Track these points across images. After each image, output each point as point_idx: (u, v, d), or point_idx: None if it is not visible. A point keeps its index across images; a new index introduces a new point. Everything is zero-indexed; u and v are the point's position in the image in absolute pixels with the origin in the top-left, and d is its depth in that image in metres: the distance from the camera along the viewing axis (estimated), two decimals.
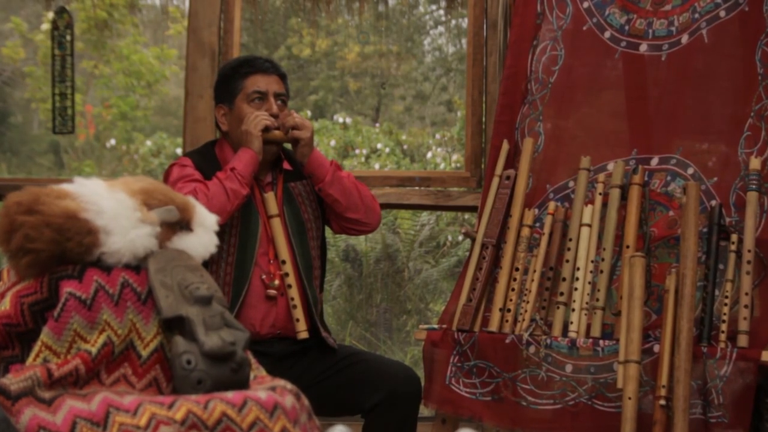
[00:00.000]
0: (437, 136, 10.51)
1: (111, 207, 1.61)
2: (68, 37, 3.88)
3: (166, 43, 10.42)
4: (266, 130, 2.90)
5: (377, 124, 11.28)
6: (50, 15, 9.60)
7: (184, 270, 1.59)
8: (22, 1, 9.85)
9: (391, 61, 13.10)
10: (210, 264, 2.84)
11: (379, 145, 9.63)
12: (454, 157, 9.32)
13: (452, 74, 13.56)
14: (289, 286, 2.87)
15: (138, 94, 9.67)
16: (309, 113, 11.26)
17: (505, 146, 3.15)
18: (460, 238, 7.65)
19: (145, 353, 1.60)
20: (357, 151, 9.44)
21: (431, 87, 13.53)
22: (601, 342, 2.74)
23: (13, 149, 11.05)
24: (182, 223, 1.72)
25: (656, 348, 2.66)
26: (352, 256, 7.09)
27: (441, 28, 14.55)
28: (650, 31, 3.08)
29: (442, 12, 14.28)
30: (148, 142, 10.11)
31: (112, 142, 10.33)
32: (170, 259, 1.62)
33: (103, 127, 10.13)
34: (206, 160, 2.95)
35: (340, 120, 10.10)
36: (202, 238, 1.73)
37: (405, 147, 10.18)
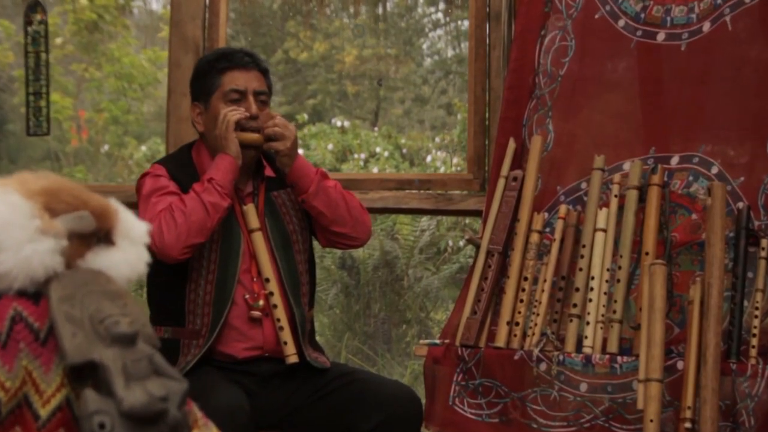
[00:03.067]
0: (437, 139, 10.60)
1: None
2: (43, 33, 3.66)
3: (159, 45, 10.26)
4: (241, 128, 2.69)
5: (376, 128, 11.32)
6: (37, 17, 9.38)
7: (99, 298, 1.23)
8: (18, 6, 9.72)
9: (390, 64, 13.15)
10: (188, 282, 2.66)
11: (377, 149, 9.66)
12: (455, 160, 9.27)
13: (451, 77, 13.63)
14: (275, 306, 2.69)
15: (130, 97, 9.52)
16: (306, 117, 11.23)
17: (512, 145, 3.02)
18: (462, 243, 7.60)
19: (44, 413, 1.21)
20: (356, 156, 9.38)
21: (430, 90, 13.62)
22: (618, 358, 2.62)
23: (11, 157, 10.89)
24: (100, 235, 1.33)
25: (680, 365, 2.54)
26: (348, 263, 7.01)
27: (440, 31, 14.67)
28: (668, 18, 2.94)
29: (440, 15, 14.36)
30: (143, 148, 9.99)
31: (107, 147, 10.22)
32: (81, 283, 1.22)
33: (95, 132, 9.99)
34: (182, 167, 2.75)
35: (338, 124, 10.14)
36: (128, 253, 1.34)
37: (404, 151, 10.25)
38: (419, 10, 14.50)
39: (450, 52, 14.42)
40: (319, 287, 6.68)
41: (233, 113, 2.68)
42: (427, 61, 14.57)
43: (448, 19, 14.27)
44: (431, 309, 7.11)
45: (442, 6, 14.31)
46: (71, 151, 10.36)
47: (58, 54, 9.57)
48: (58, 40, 9.47)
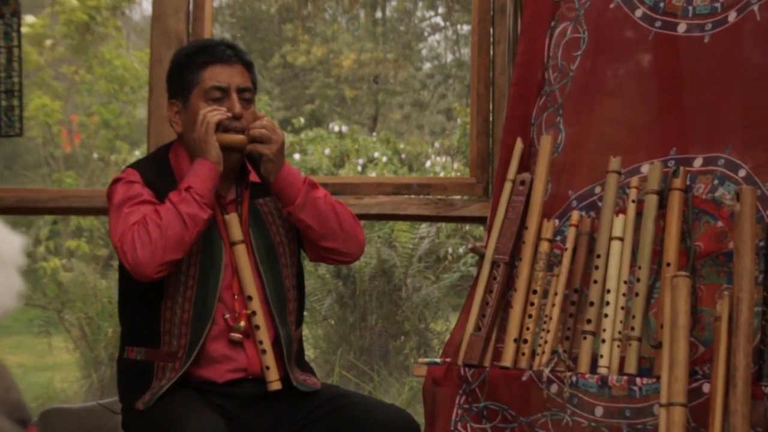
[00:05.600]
0: (436, 144, 10.64)
1: None
2: (15, 27, 3.46)
3: None
4: (224, 129, 2.48)
5: (374, 133, 11.39)
6: (28, 19, 9.25)
7: None
8: None
9: (389, 68, 13.27)
10: (164, 300, 2.46)
11: (376, 154, 9.70)
12: (455, 165, 9.28)
13: (451, 81, 13.73)
14: (257, 327, 2.49)
15: (121, 101, 9.40)
16: (303, 121, 11.22)
17: (519, 145, 2.91)
18: (462, 250, 7.60)
19: None
20: (354, 161, 9.49)
21: (430, 95, 13.75)
22: (638, 380, 2.52)
23: (7, 163, 10.87)
24: None
25: (706, 388, 2.42)
26: (344, 272, 6.94)
27: (438, 36, 14.89)
28: (690, 8, 2.82)
29: (439, 19, 14.57)
30: (137, 153, 9.93)
31: (101, 151, 10.14)
32: None
33: (87, 136, 9.88)
34: (158, 171, 2.54)
35: (336, 129, 10.22)
36: None
37: (403, 156, 10.39)
38: (418, 13, 14.62)
39: (449, 57, 14.53)
40: (313, 297, 6.65)
41: (213, 114, 2.47)
42: (426, 66, 14.69)
43: (447, 23, 14.37)
44: (431, 320, 7.07)
45: (441, 10, 14.42)
46: (63, 156, 10.27)
47: (48, 56, 9.48)
48: (48, 42, 9.36)
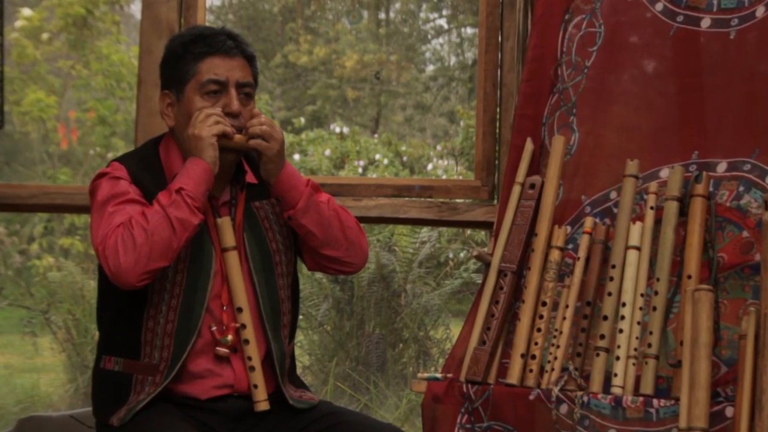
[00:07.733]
0: (438, 147, 10.69)
1: None
2: None
3: None
4: (224, 136, 2.33)
5: (376, 135, 11.51)
6: (25, 12, 9.16)
7: None
8: None
9: (392, 70, 13.37)
10: (147, 308, 2.31)
11: (377, 156, 9.77)
12: (458, 168, 9.31)
13: (454, 84, 13.81)
14: (246, 341, 2.34)
15: (118, 97, 9.32)
16: (303, 121, 11.21)
17: (529, 146, 2.84)
18: (462, 255, 7.60)
19: None
20: (355, 163, 9.59)
21: (432, 98, 13.86)
22: (654, 401, 2.43)
23: (7, 159, 10.91)
24: None
25: (729, 411, 2.34)
26: (341, 277, 6.89)
27: (441, 39, 15.06)
28: (714, 2, 2.73)
29: (443, 22, 14.72)
30: None
31: (98, 148, 10.08)
32: None
33: (83, 133, 9.83)
34: (147, 167, 2.38)
35: (337, 130, 10.29)
36: None
37: (405, 159, 10.47)
38: (422, 15, 14.70)
39: (453, 59, 14.62)
40: (309, 302, 6.59)
41: (218, 121, 2.30)
42: (430, 68, 14.79)
43: (451, 25, 14.44)
44: (431, 328, 7.06)
45: (445, 12, 14.53)
46: (58, 153, 10.21)
47: (44, 50, 9.41)
48: (45, 36, 9.28)
